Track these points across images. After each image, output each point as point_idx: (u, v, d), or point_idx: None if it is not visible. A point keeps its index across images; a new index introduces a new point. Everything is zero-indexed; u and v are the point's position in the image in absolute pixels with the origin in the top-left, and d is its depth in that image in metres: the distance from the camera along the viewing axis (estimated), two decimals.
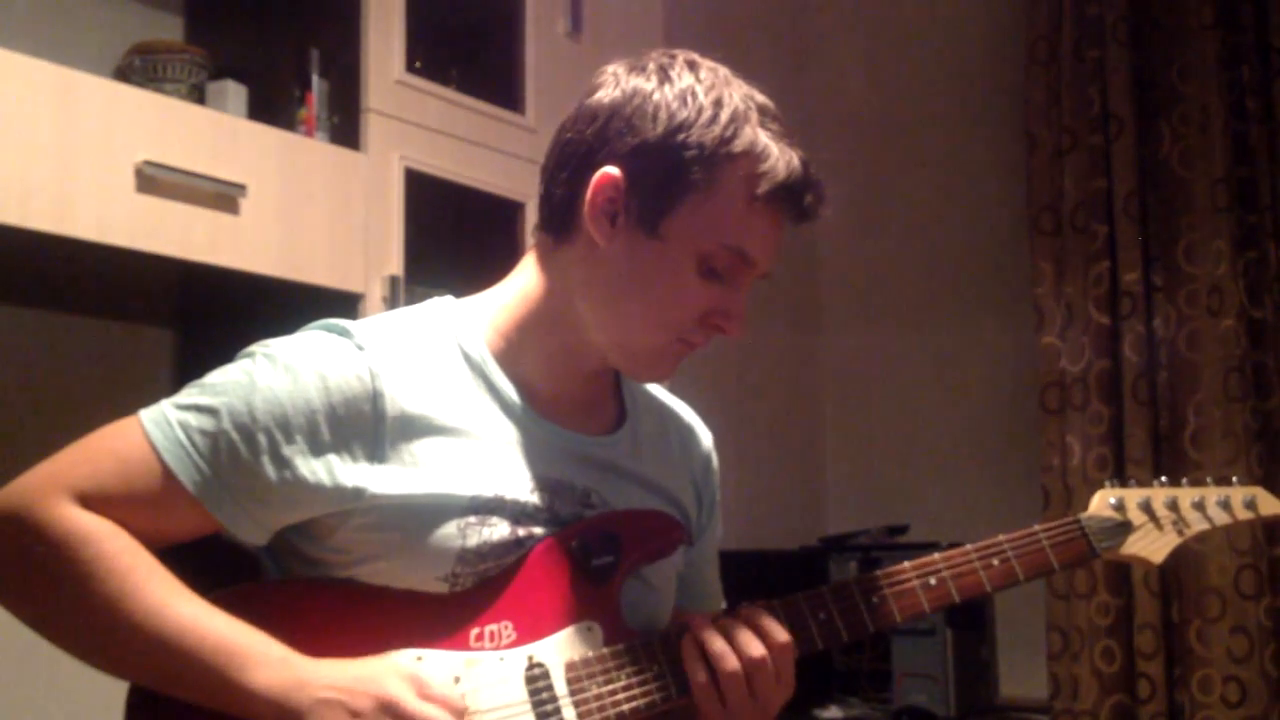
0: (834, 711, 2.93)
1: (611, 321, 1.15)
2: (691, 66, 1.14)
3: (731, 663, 1.10)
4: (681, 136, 1.10)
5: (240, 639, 1.02)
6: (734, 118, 1.11)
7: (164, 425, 1.06)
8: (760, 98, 1.15)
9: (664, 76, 1.13)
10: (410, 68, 2.17)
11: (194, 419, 1.06)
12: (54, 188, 1.66)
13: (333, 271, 2.00)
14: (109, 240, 1.71)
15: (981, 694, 2.97)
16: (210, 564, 1.08)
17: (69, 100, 1.69)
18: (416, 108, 2.17)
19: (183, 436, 1.05)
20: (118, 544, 1.03)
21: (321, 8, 2.16)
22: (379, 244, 2.08)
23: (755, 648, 1.11)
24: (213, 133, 1.86)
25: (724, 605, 1.35)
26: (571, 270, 1.16)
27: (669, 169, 1.10)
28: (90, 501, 1.04)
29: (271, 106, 2.07)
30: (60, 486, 1.03)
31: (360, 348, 1.10)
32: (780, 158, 1.11)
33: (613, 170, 1.12)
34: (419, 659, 1.06)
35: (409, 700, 1.00)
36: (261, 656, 1.01)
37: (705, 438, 1.37)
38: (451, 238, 2.34)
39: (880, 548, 3.03)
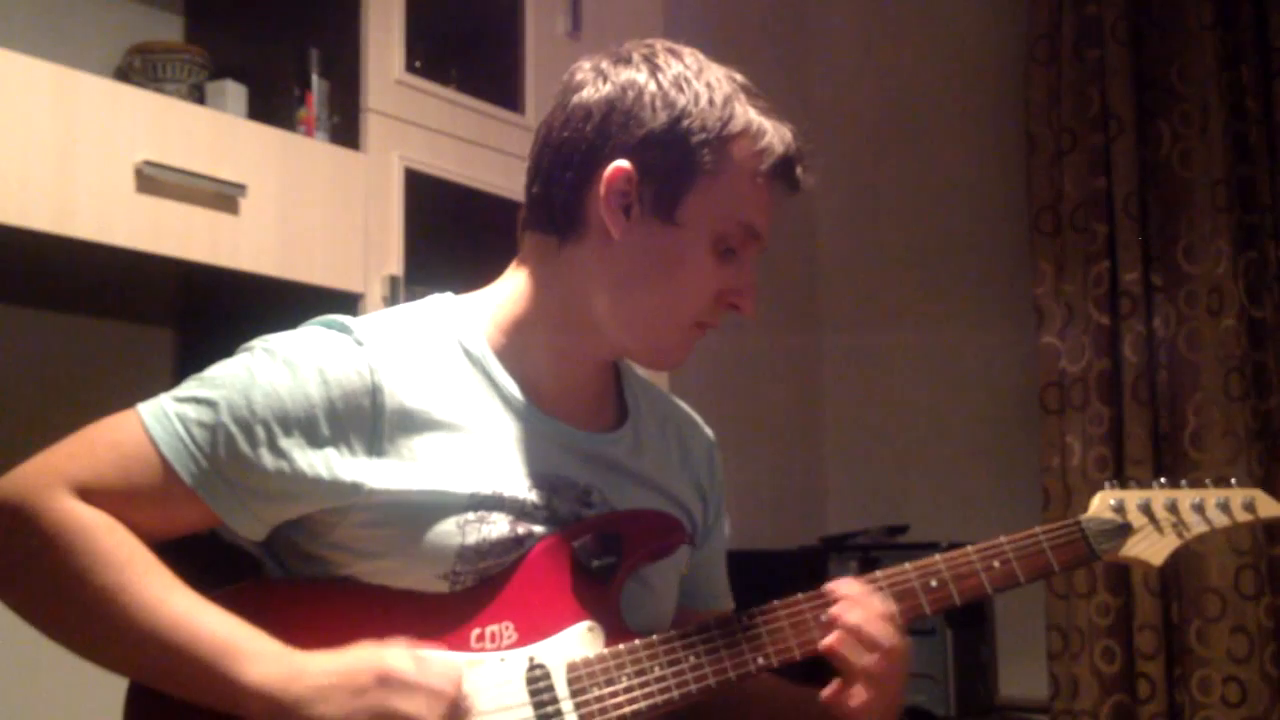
0: None
1: (631, 312, 1.16)
2: (673, 53, 1.17)
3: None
4: (686, 123, 1.12)
5: (234, 635, 1.01)
6: (727, 99, 1.14)
7: (162, 418, 1.06)
8: (739, 76, 1.18)
9: (653, 66, 1.15)
10: (410, 68, 2.16)
11: (192, 412, 1.06)
12: (54, 188, 1.66)
13: (332, 271, 2.00)
14: (109, 240, 1.71)
15: (981, 694, 2.97)
16: (210, 564, 1.08)
17: (69, 100, 1.69)
18: (416, 108, 2.16)
19: (181, 429, 1.05)
20: (114, 537, 1.03)
21: (321, 8, 2.16)
22: (379, 244, 2.07)
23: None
24: (213, 133, 1.86)
25: (732, 606, 1.35)
26: (583, 267, 1.17)
27: (679, 155, 1.12)
28: (88, 493, 1.04)
29: (271, 106, 2.07)
30: (58, 478, 1.03)
31: (360, 343, 1.11)
32: (774, 133, 1.15)
33: (623, 163, 1.13)
34: None
35: (409, 671, 1.00)
36: (256, 652, 1.01)
37: (708, 439, 1.37)
38: (451, 238, 2.34)
39: (880, 547, 3.03)
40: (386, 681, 0.99)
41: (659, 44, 1.19)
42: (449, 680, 1.02)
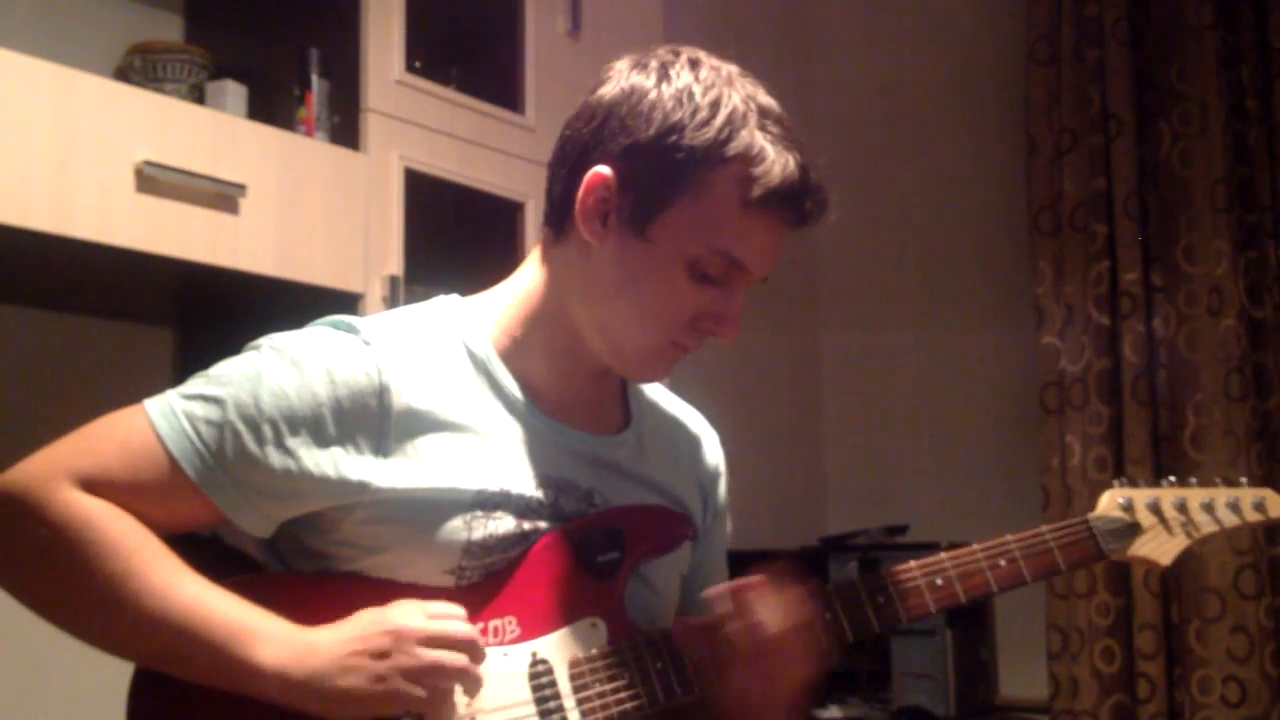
0: (834, 711, 2.93)
1: (603, 321, 1.15)
2: (694, 65, 1.13)
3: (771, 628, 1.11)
4: (673, 138, 1.09)
5: (246, 616, 1.02)
6: (730, 120, 1.09)
7: (169, 415, 1.06)
8: (764, 98, 1.13)
9: (663, 75, 1.12)
10: (410, 68, 2.16)
11: (199, 409, 1.06)
12: (54, 188, 1.66)
13: (332, 271, 2.00)
14: (109, 240, 1.71)
15: (981, 694, 2.97)
16: (210, 565, 1.08)
17: (69, 100, 1.69)
18: (416, 108, 2.16)
19: (188, 426, 1.06)
20: (122, 525, 1.03)
21: (321, 8, 2.16)
22: (379, 244, 2.07)
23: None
24: (213, 133, 1.86)
25: None
26: (566, 267, 1.17)
27: (659, 171, 1.09)
28: (94, 486, 1.04)
29: (271, 106, 2.07)
30: (64, 470, 1.04)
31: (367, 343, 1.11)
32: (776, 161, 1.09)
33: (604, 170, 1.11)
34: None
35: (421, 623, 1.01)
36: (267, 633, 1.01)
37: (714, 445, 1.36)
38: (451, 238, 2.34)
39: (880, 548, 3.03)
40: (404, 637, 1.01)
41: (686, 53, 1.15)
42: (460, 624, 1.04)
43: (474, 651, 1.04)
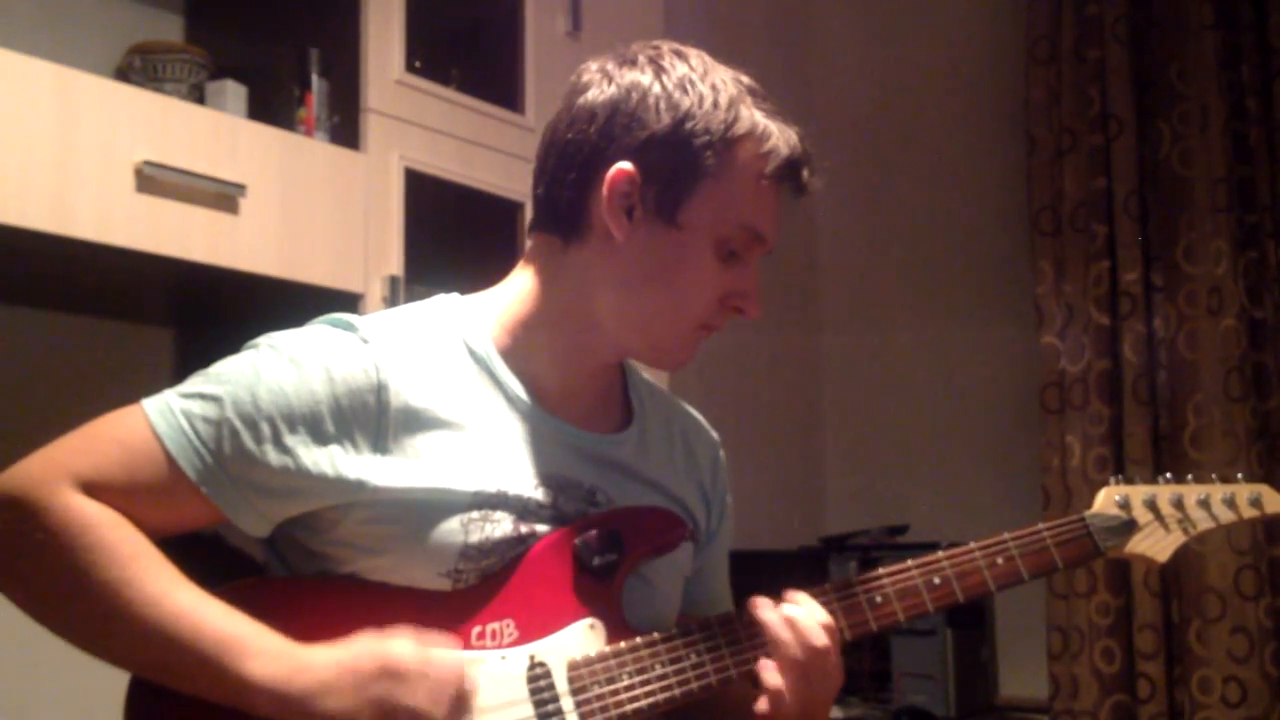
0: (834, 711, 2.92)
1: (634, 314, 1.17)
2: (679, 55, 1.17)
3: (796, 652, 1.11)
4: (690, 125, 1.12)
5: (238, 629, 1.02)
6: (732, 101, 1.14)
7: (167, 413, 1.06)
8: (746, 79, 1.18)
9: (657, 68, 1.15)
10: (410, 68, 2.17)
11: (197, 407, 1.06)
12: (54, 188, 1.66)
13: (333, 271, 2.00)
14: (109, 240, 1.71)
15: (981, 694, 2.97)
16: (211, 564, 1.08)
17: (69, 100, 1.69)
18: (416, 108, 2.16)
19: (186, 425, 1.06)
20: (119, 532, 1.03)
21: (321, 8, 2.16)
22: (379, 244, 2.07)
23: (819, 638, 1.12)
24: (213, 133, 1.86)
25: (731, 610, 1.35)
26: (587, 268, 1.17)
27: (682, 158, 1.12)
28: (92, 488, 1.04)
29: (271, 106, 2.07)
30: (63, 472, 1.03)
31: (365, 341, 1.11)
32: (780, 136, 1.15)
33: (626, 165, 1.13)
34: None
35: (413, 662, 1.01)
36: (259, 647, 1.01)
37: (713, 443, 1.37)
38: (451, 238, 2.34)
39: (880, 548, 3.03)
40: (391, 673, 1.00)
41: (665, 46, 1.19)
42: (453, 670, 1.02)
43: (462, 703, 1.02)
